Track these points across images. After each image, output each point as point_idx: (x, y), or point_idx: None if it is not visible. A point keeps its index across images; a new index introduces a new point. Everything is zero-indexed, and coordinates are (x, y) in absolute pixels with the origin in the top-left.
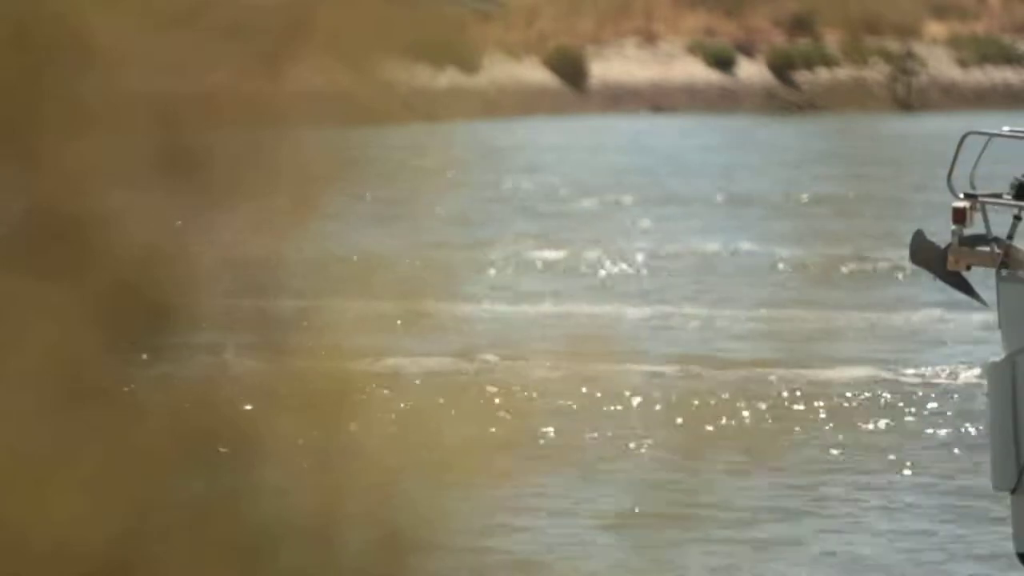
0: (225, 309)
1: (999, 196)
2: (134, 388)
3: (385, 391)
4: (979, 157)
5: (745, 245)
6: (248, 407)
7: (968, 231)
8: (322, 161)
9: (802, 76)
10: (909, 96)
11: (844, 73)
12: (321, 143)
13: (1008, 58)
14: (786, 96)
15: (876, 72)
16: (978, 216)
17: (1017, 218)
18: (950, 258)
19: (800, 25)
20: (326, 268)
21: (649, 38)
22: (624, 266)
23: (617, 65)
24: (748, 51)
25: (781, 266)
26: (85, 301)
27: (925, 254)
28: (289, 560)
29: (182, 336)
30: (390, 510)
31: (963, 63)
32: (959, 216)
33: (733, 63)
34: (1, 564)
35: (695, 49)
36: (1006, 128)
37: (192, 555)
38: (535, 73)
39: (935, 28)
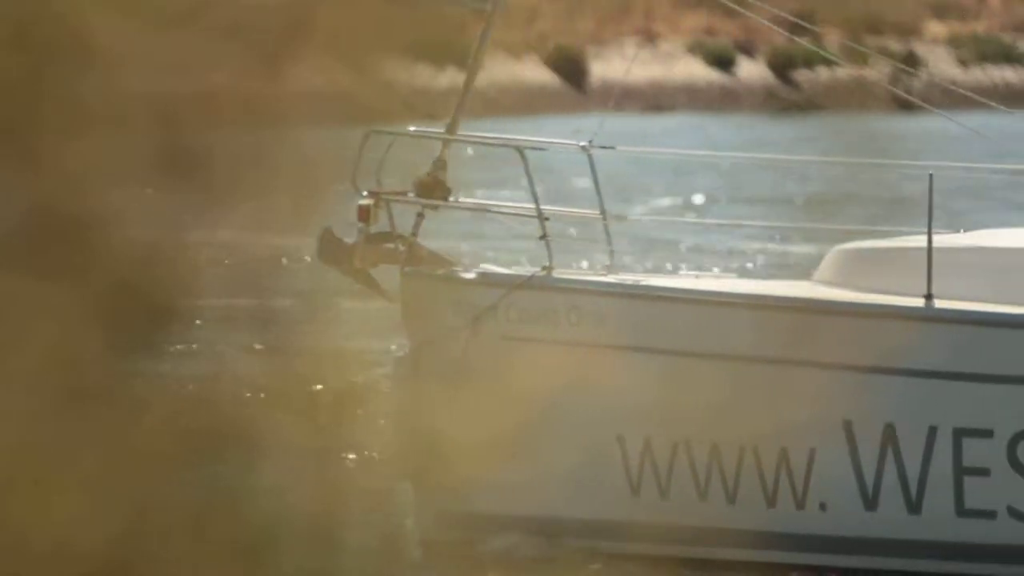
0: (225, 308)
1: (404, 194)
2: (134, 388)
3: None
4: (384, 155)
5: None
6: (247, 407)
7: (376, 228)
8: (322, 160)
9: (802, 75)
10: (908, 95)
11: (844, 73)
12: (321, 143)
13: (1008, 58)
14: (786, 96)
15: (876, 72)
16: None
17: (420, 215)
18: (355, 256)
19: (800, 24)
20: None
21: (649, 38)
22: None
23: (617, 65)
24: (748, 51)
25: None
26: (85, 301)
27: (332, 252)
28: (289, 560)
29: (182, 336)
30: None
31: (963, 62)
32: (363, 214)
33: (733, 63)
34: (1, 564)
35: (695, 49)
36: (412, 128)
37: (192, 555)
38: (535, 73)
39: (935, 28)
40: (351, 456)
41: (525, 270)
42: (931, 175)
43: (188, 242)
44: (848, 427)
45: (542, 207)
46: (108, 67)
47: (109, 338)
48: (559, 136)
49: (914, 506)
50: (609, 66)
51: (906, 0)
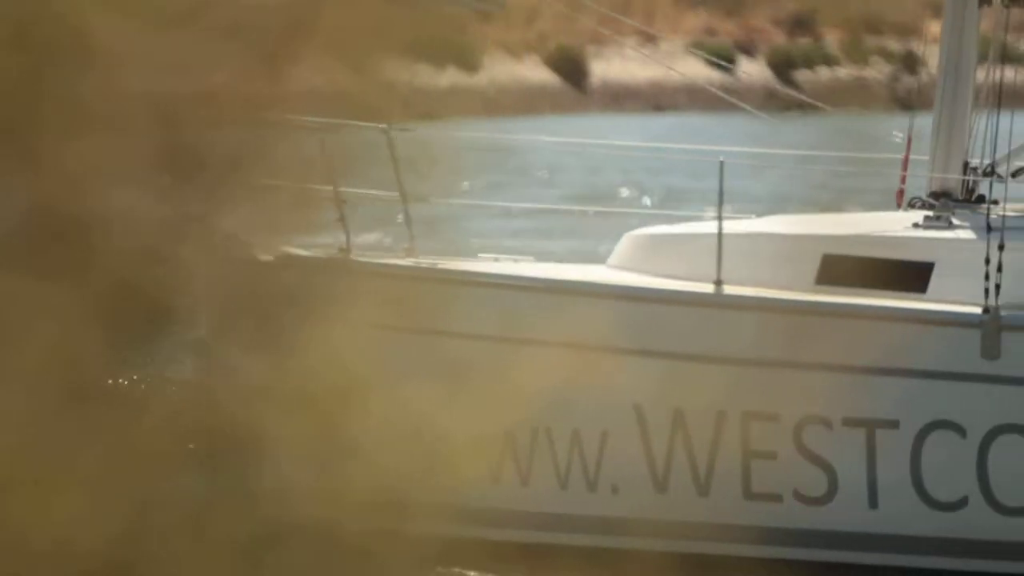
0: (225, 308)
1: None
2: (134, 388)
3: None
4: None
5: None
6: (247, 407)
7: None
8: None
9: (802, 75)
10: (909, 95)
11: (845, 72)
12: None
13: (1007, 58)
14: (786, 96)
15: (876, 71)
16: None
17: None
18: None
19: (800, 25)
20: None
21: (649, 38)
22: None
23: (617, 65)
24: (748, 50)
25: None
26: (85, 301)
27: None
28: (289, 560)
29: (182, 335)
30: None
31: None
32: None
33: (733, 62)
34: (2, 563)
35: (695, 49)
36: None
37: (192, 555)
38: (535, 72)
39: (935, 27)
40: (347, 457)
41: (326, 252)
42: (721, 162)
43: (188, 242)
44: (639, 411)
45: (343, 189)
46: (108, 67)
47: (109, 338)
48: (559, 136)
49: (703, 489)
50: (609, 66)
51: (906, 0)
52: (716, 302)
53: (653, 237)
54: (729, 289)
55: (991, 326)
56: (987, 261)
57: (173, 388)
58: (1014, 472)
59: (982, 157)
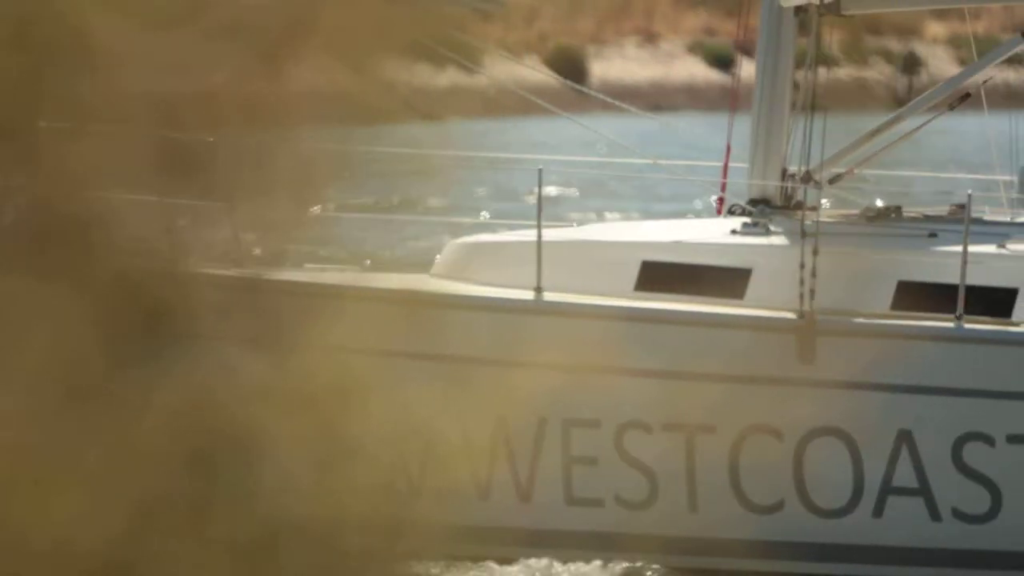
0: (225, 308)
1: None
2: (134, 388)
3: None
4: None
5: None
6: (247, 407)
7: None
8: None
9: (802, 75)
10: (909, 95)
11: (844, 73)
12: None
13: (1008, 58)
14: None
15: (877, 72)
16: None
17: None
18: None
19: (800, 24)
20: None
21: (649, 37)
22: None
23: (617, 65)
24: (748, 50)
25: None
26: (85, 301)
27: None
28: (289, 560)
29: (181, 335)
30: None
31: (963, 62)
32: None
33: (733, 62)
34: (2, 563)
35: (695, 48)
36: None
37: (192, 555)
38: (535, 73)
39: (935, 28)
40: (351, 456)
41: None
42: (540, 170)
43: (188, 241)
44: (462, 420)
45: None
46: (108, 67)
47: (109, 338)
48: (557, 136)
49: (525, 495)
50: (609, 66)
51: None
52: (534, 309)
53: (474, 246)
54: (549, 296)
55: (806, 330)
56: (802, 266)
57: (173, 388)
58: (829, 475)
59: (799, 164)
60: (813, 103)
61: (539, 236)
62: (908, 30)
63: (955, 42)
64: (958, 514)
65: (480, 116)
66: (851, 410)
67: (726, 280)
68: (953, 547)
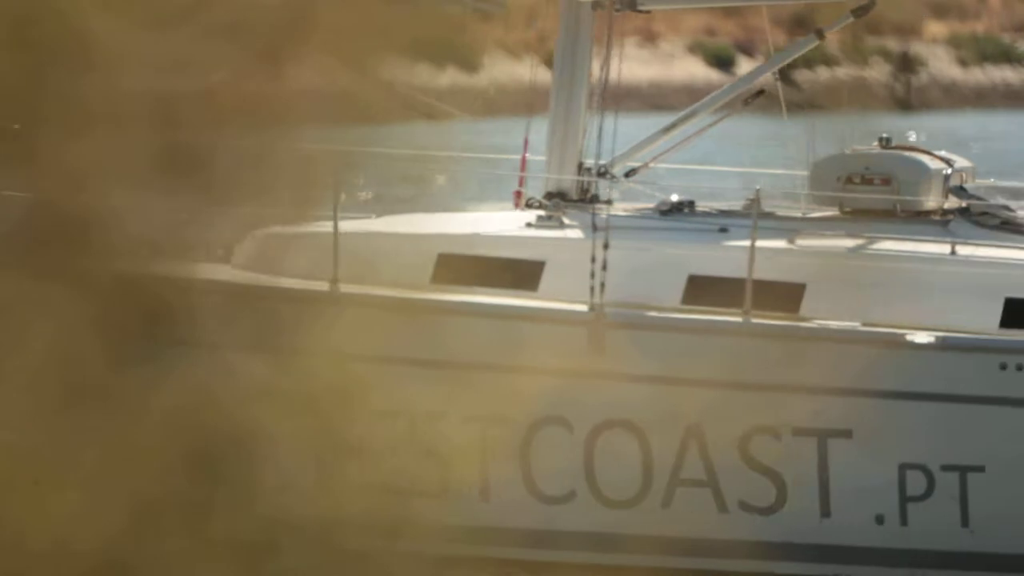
0: (225, 308)
1: None
2: (134, 388)
3: None
4: None
5: None
6: (247, 407)
7: None
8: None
9: (802, 75)
10: (908, 95)
11: (844, 72)
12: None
13: (1008, 57)
14: (786, 95)
15: (876, 71)
16: None
17: None
18: None
19: (800, 24)
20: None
21: (649, 37)
22: None
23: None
24: (748, 50)
25: None
26: (85, 300)
27: None
28: (289, 559)
29: (181, 335)
30: None
31: (963, 62)
32: None
33: (733, 62)
34: (2, 562)
35: (695, 48)
36: None
37: (192, 555)
38: (535, 72)
39: (935, 27)
40: (351, 456)
41: None
42: (341, 162)
43: (188, 241)
44: (268, 407)
45: None
46: (108, 67)
47: (109, 338)
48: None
49: (323, 483)
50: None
51: (906, 0)
52: (329, 299)
53: (273, 237)
54: (345, 288)
55: (596, 323)
56: (593, 260)
57: (173, 388)
58: (619, 466)
59: (596, 158)
60: (605, 97)
61: (335, 228)
62: (908, 30)
63: (955, 42)
64: (744, 506)
65: (480, 116)
66: (641, 403)
67: (520, 273)
68: (739, 538)
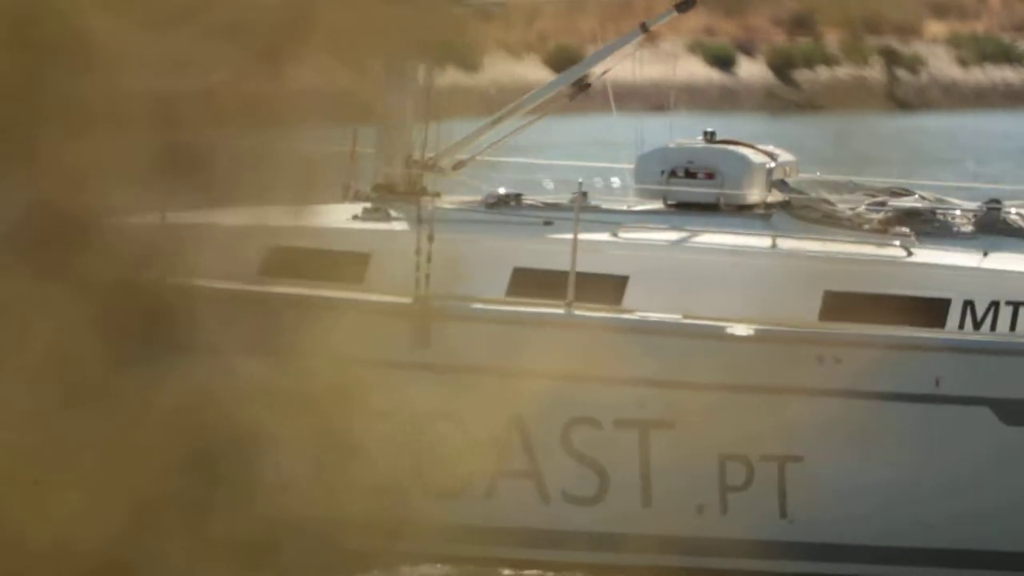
0: (225, 307)
1: None
2: (134, 388)
3: None
4: None
5: None
6: (247, 407)
7: None
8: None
9: (802, 75)
10: (892, 87)
11: (844, 72)
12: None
13: (1008, 57)
14: (786, 95)
15: (876, 71)
16: None
17: None
18: None
19: (800, 24)
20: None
21: (649, 37)
22: None
23: (617, 64)
24: (748, 50)
25: None
26: (85, 300)
27: None
28: (289, 560)
29: (182, 335)
30: None
31: (963, 62)
32: None
33: (733, 62)
34: (2, 562)
35: (695, 48)
36: None
37: (192, 555)
38: (535, 72)
39: (935, 27)
40: (351, 456)
41: None
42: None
43: (188, 241)
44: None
45: None
46: (108, 67)
47: (109, 338)
48: (558, 137)
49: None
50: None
51: (906, 0)
52: (155, 291)
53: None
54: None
55: (421, 315)
56: (418, 252)
57: (173, 388)
58: (444, 457)
59: (423, 151)
60: (429, 90)
61: (163, 219)
62: (908, 30)
63: (954, 41)
64: (567, 496)
65: (480, 116)
66: (465, 394)
67: (346, 265)
68: (562, 528)
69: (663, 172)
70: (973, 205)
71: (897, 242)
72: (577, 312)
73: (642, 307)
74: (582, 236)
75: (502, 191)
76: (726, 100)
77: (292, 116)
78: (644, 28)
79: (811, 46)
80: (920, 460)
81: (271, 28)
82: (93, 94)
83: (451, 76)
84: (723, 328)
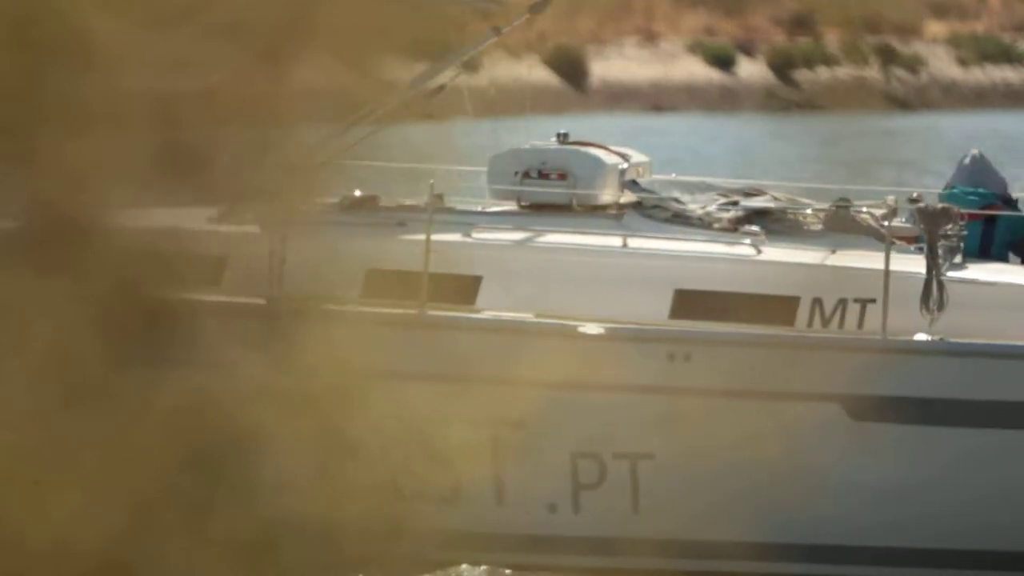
0: (226, 307)
1: None
2: (134, 388)
3: None
4: None
5: None
6: (247, 407)
7: None
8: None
9: (802, 75)
10: (895, 90)
11: (844, 72)
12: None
13: (1008, 57)
14: (786, 95)
15: (876, 71)
16: None
17: None
18: None
19: (800, 24)
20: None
21: (649, 37)
22: None
23: (617, 64)
24: (748, 50)
25: None
26: (85, 301)
27: None
28: (289, 558)
29: (182, 335)
30: None
31: (963, 62)
32: None
33: (733, 62)
34: (2, 562)
35: (695, 48)
36: None
37: (192, 555)
38: (535, 72)
39: (935, 27)
40: (351, 456)
41: None
42: None
43: (188, 241)
44: None
45: None
46: (108, 67)
47: (108, 338)
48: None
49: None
50: (609, 65)
51: (906, 0)
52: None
53: None
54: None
55: (272, 316)
56: (271, 254)
57: (173, 388)
58: (298, 458)
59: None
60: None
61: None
62: (908, 30)
63: (955, 42)
64: (421, 496)
65: (480, 116)
66: (320, 395)
67: (204, 268)
68: (416, 527)
69: (516, 173)
70: (823, 204)
71: (747, 240)
72: (430, 312)
73: (495, 307)
74: (435, 237)
75: (357, 194)
76: (726, 100)
77: (292, 117)
78: (496, 32)
79: (811, 46)
80: (771, 456)
81: (272, 28)
82: (93, 94)
83: (451, 76)
84: (574, 327)
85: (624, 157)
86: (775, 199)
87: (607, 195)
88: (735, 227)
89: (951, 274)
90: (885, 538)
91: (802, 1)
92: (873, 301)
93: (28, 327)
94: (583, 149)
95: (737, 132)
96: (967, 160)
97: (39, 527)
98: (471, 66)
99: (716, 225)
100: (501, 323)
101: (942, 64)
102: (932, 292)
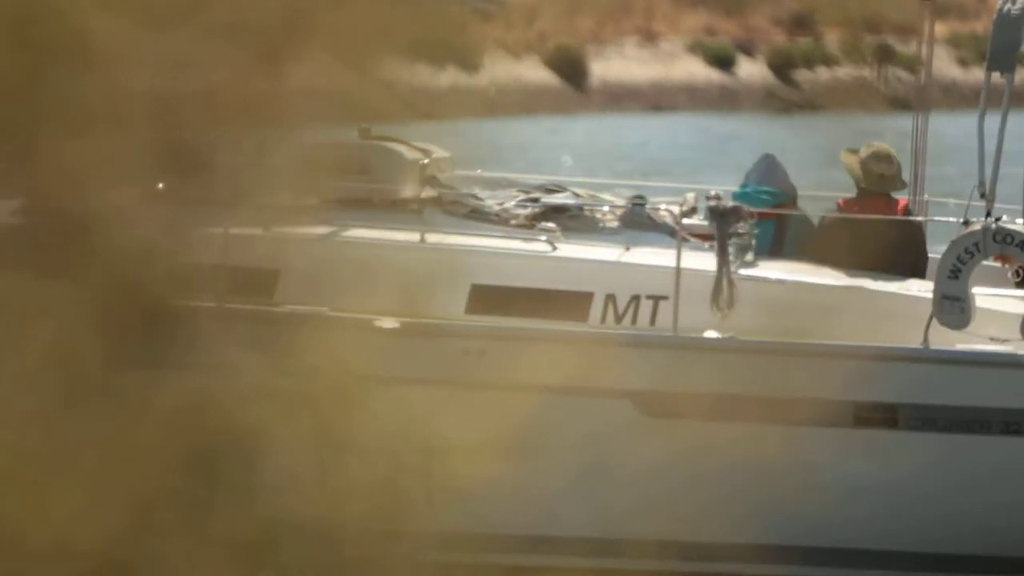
0: (226, 308)
1: None
2: (134, 388)
3: None
4: None
5: None
6: (247, 407)
7: None
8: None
9: (802, 75)
10: (894, 91)
11: (844, 72)
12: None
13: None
14: (786, 95)
15: (875, 71)
16: None
17: None
18: None
19: (800, 24)
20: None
21: (649, 37)
22: None
23: (617, 64)
24: (748, 50)
25: None
26: (85, 301)
27: None
28: (289, 558)
29: (182, 335)
30: None
31: (963, 62)
32: None
33: (733, 62)
34: (2, 562)
35: (695, 48)
36: None
37: (192, 555)
38: (535, 72)
39: (935, 27)
40: (352, 456)
41: None
42: None
43: (188, 241)
44: None
45: None
46: (108, 67)
47: (108, 338)
48: (557, 137)
49: None
50: (609, 65)
51: (906, 0)
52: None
53: None
54: None
55: None
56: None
57: (173, 388)
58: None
59: None
60: None
61: None
62: (908, 30)
63: (955, 42)
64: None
65: (480, 116)
66: None
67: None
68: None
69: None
70: (621, 202)
71: (543, 237)
72: (227, 306)
73: (293, 301)
74: (233, 231)
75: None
76: (726, 100)
77: (295, 116)
78: None
79: (811, 46)
80: (563, 452)
81: (272, 28)
82: (93, 94)
83: (450, 75)
84: (370, 321)
85: (425, 152)
86: (575, 195)
87: (406, 190)
88: (531, 224)
89: (742, 272)
90: (669, 532)
91: (802, 1)
92: (666, 298)
93: (28, 327)
94: (383, 144)
95: (737, 132)
96: (760, 160)
97: (39, 527)
98: (471, 66)
99: (513, 222)
100: (296, 317)
101: (942, 64)
102: (722, 289)
